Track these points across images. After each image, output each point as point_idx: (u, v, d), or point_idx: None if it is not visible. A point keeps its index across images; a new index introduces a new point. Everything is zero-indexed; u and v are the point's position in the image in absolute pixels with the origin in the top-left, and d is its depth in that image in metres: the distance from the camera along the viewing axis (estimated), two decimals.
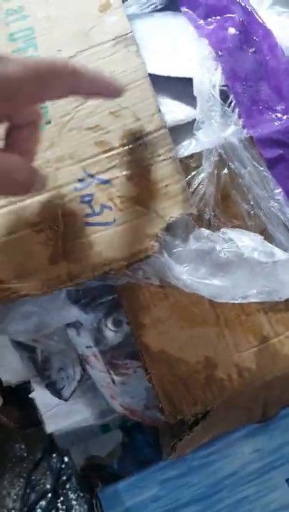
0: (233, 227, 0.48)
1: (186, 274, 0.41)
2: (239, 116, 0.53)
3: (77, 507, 0.89)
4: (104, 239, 0.43)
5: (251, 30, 0.58)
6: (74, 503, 0.89)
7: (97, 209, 0.44)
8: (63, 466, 0.91)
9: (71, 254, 0.43)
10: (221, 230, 0.44)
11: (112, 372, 0.54)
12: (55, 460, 0.91)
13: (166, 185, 0.44)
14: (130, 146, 0.45)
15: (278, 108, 0.55)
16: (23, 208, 0.44)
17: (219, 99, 0.53)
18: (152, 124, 0.46)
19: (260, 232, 0.48)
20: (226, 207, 0.48)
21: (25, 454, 0.94)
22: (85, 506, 0.88)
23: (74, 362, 0.58)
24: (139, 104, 0.47)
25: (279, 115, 0.54)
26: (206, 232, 0.42)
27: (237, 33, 0.58)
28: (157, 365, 0.46)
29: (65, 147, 0.45)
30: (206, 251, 0.41)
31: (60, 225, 0.44)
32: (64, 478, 0.91)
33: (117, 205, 0.44)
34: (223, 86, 0.55)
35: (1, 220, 0.44)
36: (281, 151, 0.51)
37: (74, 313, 0.54)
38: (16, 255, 0.43)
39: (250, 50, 0.57)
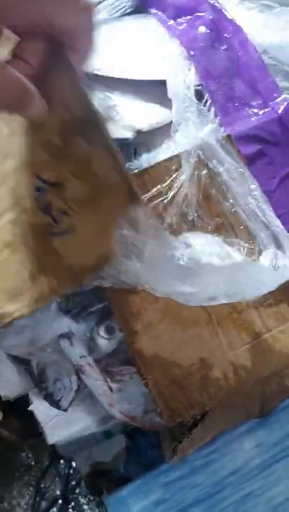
0: (217, 226, 0.48)
1: (155, 281, 0.41)
2: (215, 115, 0.53)
3: (88, 511, 0.89)
4: (70, 248, 0.42)
5: (221, 28, 0.58)
6: (85, 507, 0.89)
7: (57, 217, 0.42)
8: (71, 471, 0.91)
9: (47, 269, 0.43)
10: (183, 234, 0.44)
11: (108, 379, 0.54)
12: (62, 466, 0.90)
13: (108, 179, 0.41)
14: (68, 140, 0.41)
15: (254, 103, 0.55)
16: None
17: (194, 99, 0.53)
18: (80, 110, 0.40)
19: (244, 229, 0.48)
20: (208, 206, 0.48)
21: (33, 463, 0.93)
22: (97, 510, 0.88)
23: (69, 372, 0.58)
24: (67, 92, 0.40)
25: (255, 110, 0.54)
26: (168, 238, 0.42)
27: (208, 31, 0.58)
28: (152, 370, 0.46)
29: (17, 155, 0.43)
30: (169, 257, 0.40)
31: (30, 241, 0.43)
32: (73, 483, 0.90)
33: (73, 209, 0.42)
34: (197, 86, 0.55)
35: None
36: (260, 147, 0.52)
37: (65, 323, 0.53)
38: (3, 278, 0.43)
39: (222, 48, 0.58)
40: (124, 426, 0.70)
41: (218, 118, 0.52)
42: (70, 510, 0.89)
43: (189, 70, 0.56)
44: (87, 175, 0.41)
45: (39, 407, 0.65)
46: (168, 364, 0.47)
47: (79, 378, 0.58)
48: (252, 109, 0.54)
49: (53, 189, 0.41)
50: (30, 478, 0.92)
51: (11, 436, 0.74)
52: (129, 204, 0.40)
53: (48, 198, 0.42)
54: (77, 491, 0.90)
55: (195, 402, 0.46)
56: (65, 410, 0.59)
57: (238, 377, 0.47)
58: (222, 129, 0.51)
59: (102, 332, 0.52)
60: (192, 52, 0.57)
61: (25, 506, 0.91)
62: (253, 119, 0.53)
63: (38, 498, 0.90)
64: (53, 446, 0.84)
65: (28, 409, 0.66)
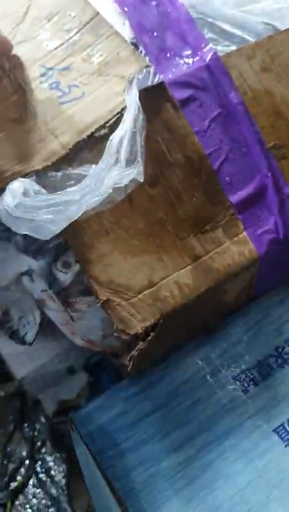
0: None
1: None
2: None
3: (55, 467, 0.93)
4: (81, 109, 0.51)
5: None
6: (51, 464, 0.94)
7: (66, 90, 0.52)
8: (36, 433, 0.95)
9: (57, 130, 0.51)
10: None
11: (68, 310, 0.59)
12: (27, 429, 0.95)
13: (118, 54, 0.54)
14: (76, 37, 0.54)
15: (184, 54, 0.60)
16: None
17: None
18: (86, 15, 0.56)
19: None
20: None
21: None
22: (63, 465, 0.93)
23: (32, 308, 0.63)
24: (68, 5, 0.56)
25: (186, 60, 0.60)
26: None
27: None
28: (107, 293, 0.52)
29: (19, 54, 0.53)
30: None
31: (38, 111, 0.51)
32: (39, 444, 0.95)
33: (82, 82, 0.52)
34: (132, 39, 0.60)
35: None
36: (191, 92, 0.57)
37: (25, 262, 0.58)
38: (10, 148, 0.50)
39: (153, 3, 0.62)
40: (85, 360, 0.76)
41: (153, 67, 0.57)
42: (38, 468, 0.93)
43: (124, 24, 0.60)
44: (96, 57, 0.53)
45: (4, 347, 0.70)
46: (121, 287, 0.53)
47: (42, 313, 0.63)
48: (183, 59, 0.60)
49: (62, 72, 0.52)
50: None
51: None
52: (138, 68, 0.52)
53: (54, 79, 0.52)
54: (43, 450, 0.94)
55: (146, 316, 0.52)
56: (31, 344, 0.65)
57: (182, 293, 0.54)
58: (156, 76, 0.57)
59: (59, 266, 0.57)
60: (126, 9, 0.61)
61: None
62: (184, 67, 0.59)
63: (5, 462, 0.93)
64: (18, 410, 0.89)
65: None
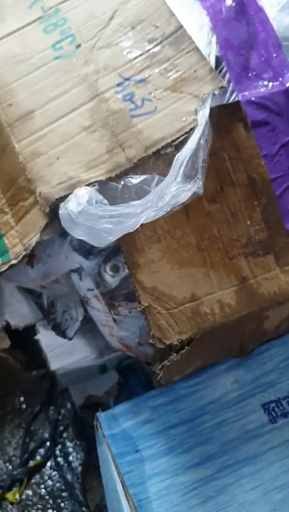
0: None
1: None
2: (229, 82, 0.58)
3: (74, 453, 0.95)
4: (150, 124, 0.52)
5: (246, 4, 0.63)
6: (71, 450, 0.95)
7: (139, 103, 0.53)
8: (60, 417, 0.97)
9: (125, 143, 0.52)
10: None
11: (112, 312, 0.60)
12: (52, 412, 0.98)
13: (195, 71, 0.54)
14: (156, 49, 0.55)
15: (265, 76, 0.60)
16: (75, 116, 0.53)
17: (212, 66, 0.58)
18: (170, 26, 0.56)
19: None
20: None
21: (25, 407, 1.00)
22: (82, 453, 0.94)
23: (76, 304, 0.65)
24: (154, 14, 0.56)
25: (265, 83, 0.59)
26: None
27: (233, 4, 0.63)
28: (149, 299, 0.53)
29: (99, 62, 0.55)
30: None
31: (110, 122, 0.52)
32: (61, 428, 0.97)
33: (156, 97, 0.53)
34: (217, 54, 0.60)
35: (59, 131, 0.53)
36: (265, 115, 0.57)
37: (77, 260, 0.60)
38: (79, 155, 0.52)
39: (244, 22, 0.62)
40: (118, 362, 0.77)
41: (232, 84, 0.58)
42: (57, 451, 0.95)
43: (212, 38, 0.60)
44: (173, 72, 0.53)
45: (45, 337, 0.72)
46: (164, 296, 0.53)
47: (85, 310, 0.64)
48: (263, 81, 0.59)
49: (138, 84, 0.53)
50: (21, 421, 0.98)
51: (16, 364, 0.80)
52: (213, 88, 0.52)
53: (129, 90, 0.53)
54: (64, 435, 0.96)
55: (184, 329, 0.52)
56: (70, 339, 0.67)
57: (223, 313, 0.53)
58: (234, 94, 0.57)
59: (108, 269, 0.59)
60: (216, 24, 0.61)
61: (16, 445, 0.97)
62: (262, 89, 0.59)
63: (27, 439, 0.96)
64: (46, 392, 0.91)
65: (35, 338, 0.73)
